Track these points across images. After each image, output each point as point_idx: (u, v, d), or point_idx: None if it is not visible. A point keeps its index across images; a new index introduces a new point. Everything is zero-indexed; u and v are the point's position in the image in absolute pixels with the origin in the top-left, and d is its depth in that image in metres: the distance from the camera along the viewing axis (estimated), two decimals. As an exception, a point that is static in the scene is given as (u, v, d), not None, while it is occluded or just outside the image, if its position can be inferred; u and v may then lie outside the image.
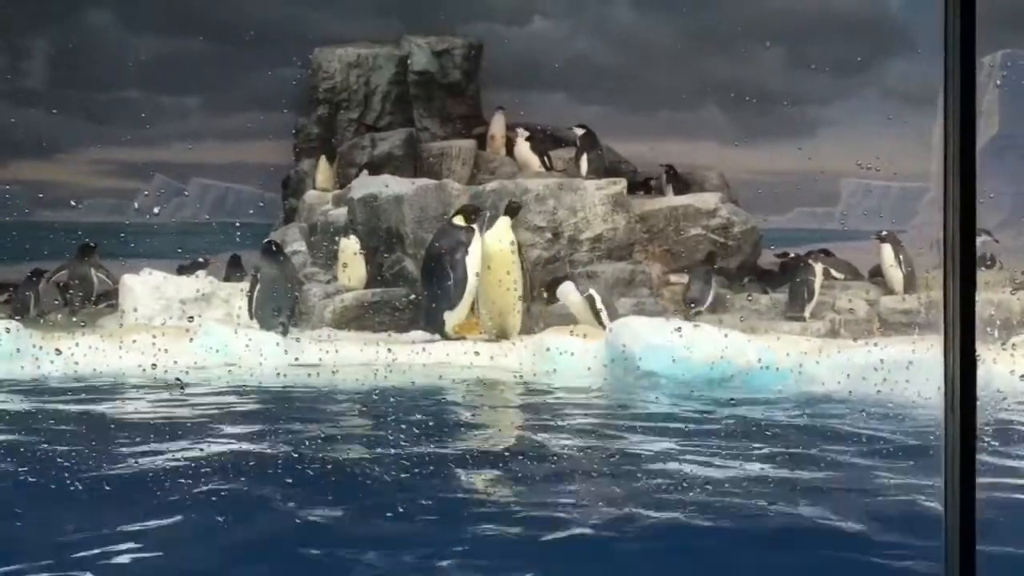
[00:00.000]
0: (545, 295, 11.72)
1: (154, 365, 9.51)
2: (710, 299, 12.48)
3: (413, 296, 12.08)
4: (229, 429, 7.42)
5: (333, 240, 12.97)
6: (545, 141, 15.10)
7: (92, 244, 13.86)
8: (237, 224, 14.03)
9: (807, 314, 12.41)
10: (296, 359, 10.20)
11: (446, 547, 4.82)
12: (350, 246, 12.63)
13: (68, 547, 4.73)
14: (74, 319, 12.27)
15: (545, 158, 14.75)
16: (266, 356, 10.26)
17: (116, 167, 17.14)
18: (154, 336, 10.15)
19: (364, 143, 14.97)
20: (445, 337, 11.12)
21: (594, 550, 4.89)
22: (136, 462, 6.21)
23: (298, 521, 5.20)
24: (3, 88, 16.47)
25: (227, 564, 4.75)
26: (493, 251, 11.22)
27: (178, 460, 6.23)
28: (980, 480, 1.93)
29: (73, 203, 15.99)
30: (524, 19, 17.54)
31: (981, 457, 1.98)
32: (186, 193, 18.04)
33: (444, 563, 4.66)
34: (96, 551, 4.67)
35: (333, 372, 9.47)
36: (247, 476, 5.90)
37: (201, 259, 13.96)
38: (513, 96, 15.25)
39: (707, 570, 4.75)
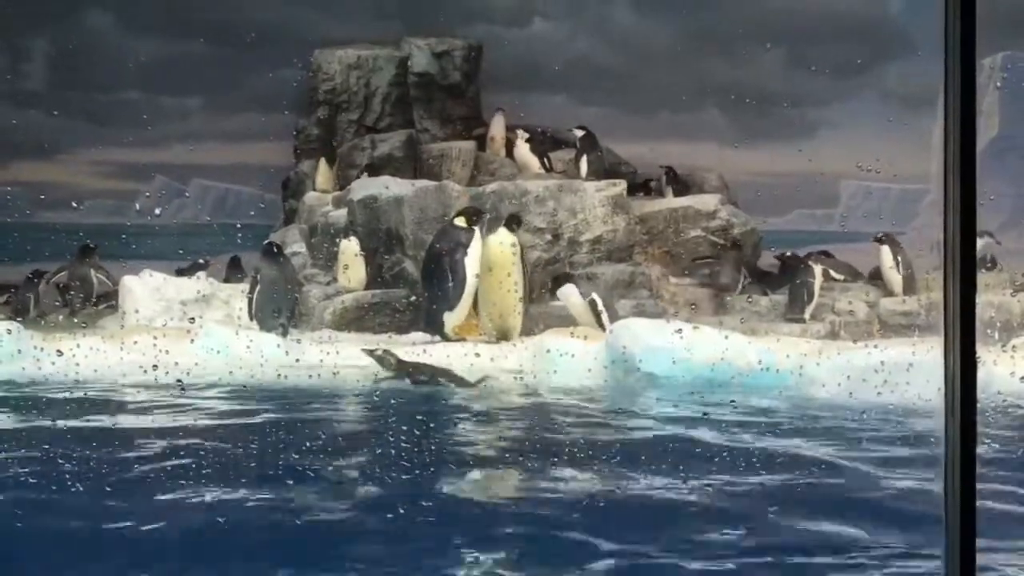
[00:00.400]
0: (550, 288, 11.78)
1: (155, 366, 9.51)
2: (740, 287, 12.83)
3: (413, 297, 12.07)
4: (229, 429, 7.42)
5: (333, 241, 12.96)
6: (545, 143, 15.09)
7: (92, 245, 13.84)
8: (237, 225, 14.01)
9: (807, 316, 12.41)
10: (297, 360, 10.20)
11: (446, 547, 4.82)
12: (350, 247, 12.63)
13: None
14: (75, 320, 12.26)
15: (545, 160, 14.74)
16: (267, 357, 10.26)
17: (117, 168, 17.16)
18: (155, 337, 10.16)
19: (364, 144, 14.96)
20: (445, 338, 11.12)
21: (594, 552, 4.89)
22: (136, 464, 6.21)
23: (298, 523, 5.21)
24: (4, 89, 16.47)
25: (227, 564, 4.76)
26: (494, 253, 11.21)
27: (178, 460, 6.23)
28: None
29: (74, 204, 16.01)
30: (524, 21, 17.56)
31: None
32: (187, 194, 18.06)
33: (444, 562, 4.67)
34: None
35: (334, 373, 9.48)
36: (247, 476, 5.90)
37: (201, 260, 13.94)
38: (513, 97, 15.23)
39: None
